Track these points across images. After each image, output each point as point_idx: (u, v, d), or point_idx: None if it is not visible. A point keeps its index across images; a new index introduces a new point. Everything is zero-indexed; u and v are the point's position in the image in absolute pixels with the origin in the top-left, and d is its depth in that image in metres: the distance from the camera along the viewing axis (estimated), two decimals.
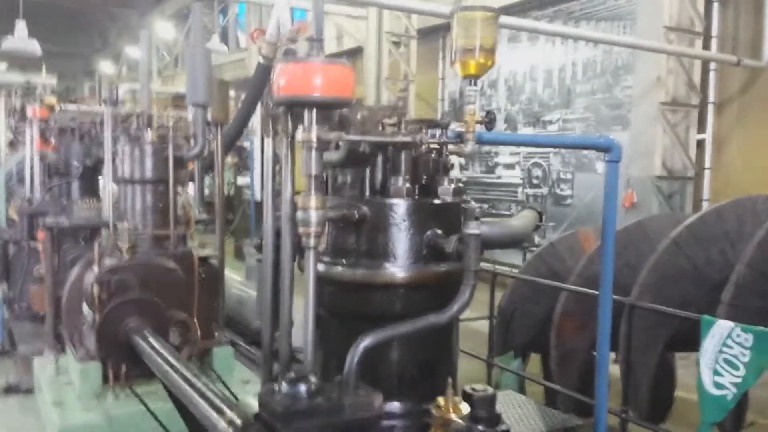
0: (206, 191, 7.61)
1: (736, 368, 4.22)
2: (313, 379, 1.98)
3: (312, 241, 2.16)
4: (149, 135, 5.53)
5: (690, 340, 5.14)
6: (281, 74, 2.12)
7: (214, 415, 2.04)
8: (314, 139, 2.14)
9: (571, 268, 6.42)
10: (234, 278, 9.55)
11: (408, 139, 2.44)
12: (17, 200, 8.89)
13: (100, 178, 8.36)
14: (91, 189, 8.50)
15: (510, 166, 14.06)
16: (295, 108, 2.27)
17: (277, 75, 2.14)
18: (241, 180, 14.66)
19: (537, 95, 13.55)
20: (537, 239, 10.12)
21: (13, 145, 12.52)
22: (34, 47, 13.37)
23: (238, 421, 1.88)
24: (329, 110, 2.25)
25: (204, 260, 5.80)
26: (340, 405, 1.94)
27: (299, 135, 2.18)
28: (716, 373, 4.34)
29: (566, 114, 12.89)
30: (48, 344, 5.71)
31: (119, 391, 5.00)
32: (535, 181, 13.48)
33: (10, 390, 6.49)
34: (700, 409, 4.58)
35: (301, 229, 2.17)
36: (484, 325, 6.92)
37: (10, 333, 7.87)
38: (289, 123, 2.39)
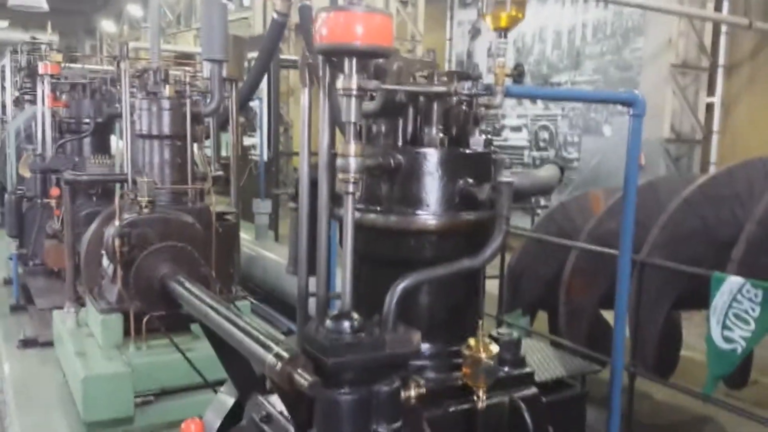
0: (210, 150, 7.63)
1: (746, 323, 4.31)
2: (355, 316, 2.06)
3: (351, 188, 2.22)
4: (167, 90, 5.55)
5: (697, 298, 5.23)
6: (323, 22, 2.15)
7: (260, 350, 2.12)
8: (354, 88, 2.19)
9: (580, 229, 6.49)
10: (244, 237, 9.64)
11: (443, 88, 2.49)
12: (28, 157, 8.90)
13: (113, 135, 8.40)
14: (102, 146, 8.53)
15: (517, 129, 14.04)
16: (334, 57, 2.31)
17: (318, 23, 2.17)
18: (248, 140, 14.56)
19: (546, 57, 13.47)
20: (543, 201, 10.17)
21: (18, 102, 12.48)
22: (41, 3, 13.25)
23: (286, 355, 1.96)
24: (370, 59, 2.29)
25: (221, 216, 5.87)
26: (382, 340, 2.03)
27: (339, 83, 2.22)
28: (726, 327, 4.44)
29: (575, 76, 12.83)
30: (68, 297, 5.81)
31: (140, 341, 5.15)
32: (542, 144, 13.48)
33: (28, 343, 6.60)
34: (707, 363, 4.70)
35: (340, 176, 2.22)
36: (492, 285, 7.01)
37: (25, 288, 7.97)
38: (328, 72, 2.43)
